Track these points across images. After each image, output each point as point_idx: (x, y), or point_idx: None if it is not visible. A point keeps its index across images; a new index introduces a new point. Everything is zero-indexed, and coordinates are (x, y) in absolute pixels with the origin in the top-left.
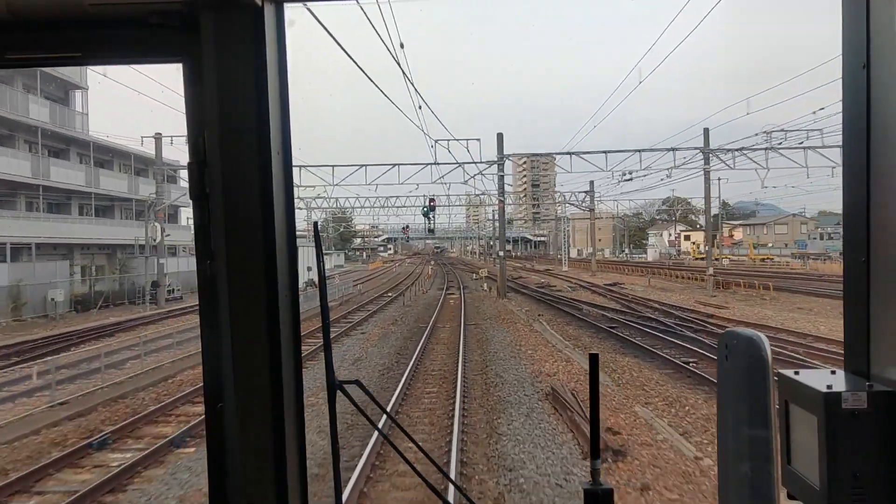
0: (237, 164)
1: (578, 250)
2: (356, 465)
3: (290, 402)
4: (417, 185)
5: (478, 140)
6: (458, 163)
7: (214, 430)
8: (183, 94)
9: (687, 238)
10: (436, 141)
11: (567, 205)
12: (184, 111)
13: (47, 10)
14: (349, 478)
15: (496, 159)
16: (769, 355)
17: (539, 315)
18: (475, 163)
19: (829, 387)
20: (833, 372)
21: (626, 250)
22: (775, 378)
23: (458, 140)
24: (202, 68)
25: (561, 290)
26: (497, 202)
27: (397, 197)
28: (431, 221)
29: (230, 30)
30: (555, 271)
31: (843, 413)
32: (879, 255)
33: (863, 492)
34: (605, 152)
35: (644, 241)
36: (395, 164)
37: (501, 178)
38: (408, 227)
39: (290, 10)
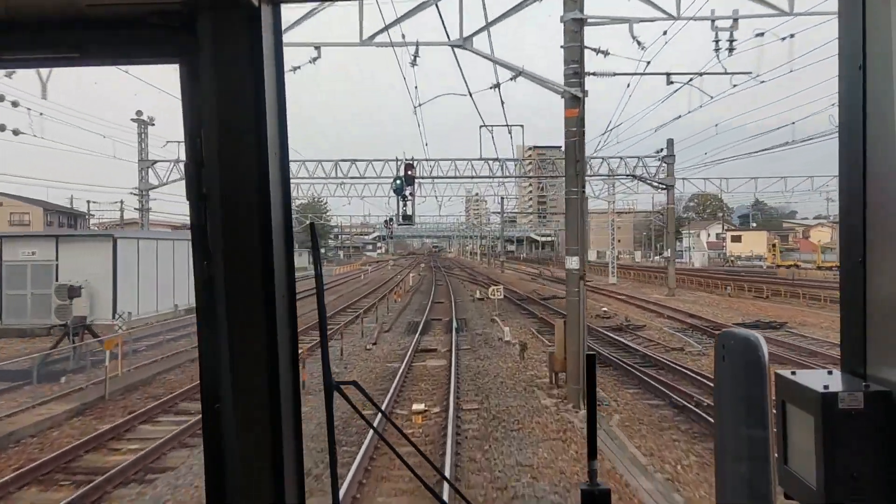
0: (234, 164)
1: (598, 252)
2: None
3: (288, 403)
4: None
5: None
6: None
7: (212, 431)
8: (180, 94)
9: (736, 239)
10: None
11: (624, 181)
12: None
13: (45, 10)
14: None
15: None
16: (766, 355)
17: None
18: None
19: (825, 387)
20: (830, 372)
21: (664, 253)
22: (773, 378)
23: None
24: (199, 69)
25: (683, 347)
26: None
27: (352, 162)
28: (408, 204)
29: (227, 30)
30: (598, 285)
31: (840, 413)
32: (876, 256)
33: (860, 492)
34: None
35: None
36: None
37: (580, 52)
38: (391, 220)
39: (287, 11)
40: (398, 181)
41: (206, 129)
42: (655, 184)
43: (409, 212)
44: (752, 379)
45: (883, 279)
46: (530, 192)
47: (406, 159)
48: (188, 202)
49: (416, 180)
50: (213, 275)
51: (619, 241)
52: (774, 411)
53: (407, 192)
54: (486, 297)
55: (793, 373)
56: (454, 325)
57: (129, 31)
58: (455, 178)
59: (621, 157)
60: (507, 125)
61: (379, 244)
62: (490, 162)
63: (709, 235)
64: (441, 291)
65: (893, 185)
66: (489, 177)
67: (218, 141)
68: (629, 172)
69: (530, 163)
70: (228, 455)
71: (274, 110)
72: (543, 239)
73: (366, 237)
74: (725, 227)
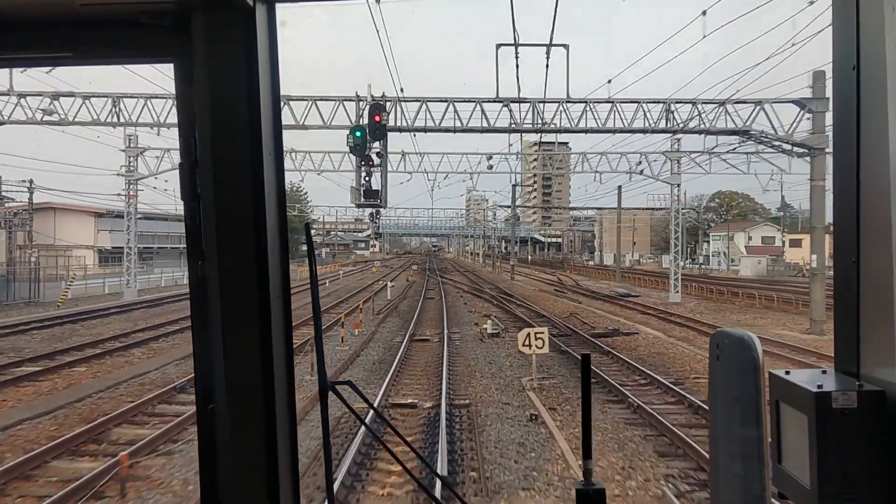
0: (229, 164)
1: (614, 256)
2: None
3: (282, 403)
4: None
5: None
6: None
7: (206, 431)
8: (174, 94)
9: (795, 244)
10: None
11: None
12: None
13: (38, 10)
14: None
15: None
16: (760, 355)
17: None
18: None
19: (819, 386)
20: (824, 371)
21: (701, 259)
22: (768, 377)
23: None
24: (193, 69)
25: None
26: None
27: (285, 101)
28: (373, 173)
29: (222, 30)
30: (656, 304)
31: (834, 412)
32: (870, 256)
33: (853, 491)
34: None
35: (703, 245)
36: None
37: None
38: (377, 212)
39: (281, 11)
40: (357, 133)
41: (200, 129)
42: (787, 147)
43: (374, 185)
44: (746, 378)
45: (876, 279)
46: (534, 187)
47: (373, 98)
48: (182, 202)
49: (391, 134)
50: (208, 275)
51: (634, 243)
52: (769, 411)
53: (373, 153)
54: (504, 332)
55: (787, 372)
56: (440, 462)
57: (123, 30)
58: (455, 130)
59: (722, 103)
60: (549, 43)
61: (372, 242)
62: (512, 105)
63: (750, 239)
64: (430, 313)
65: (886, 186)
66: (509, 129)
67: (212, 141)
68: (743, 127)
69: (533, 161)
70: (223, 455)
71: (268, 111)
72: (549, 240)
73: (359, 234)
74: (760, 232)
